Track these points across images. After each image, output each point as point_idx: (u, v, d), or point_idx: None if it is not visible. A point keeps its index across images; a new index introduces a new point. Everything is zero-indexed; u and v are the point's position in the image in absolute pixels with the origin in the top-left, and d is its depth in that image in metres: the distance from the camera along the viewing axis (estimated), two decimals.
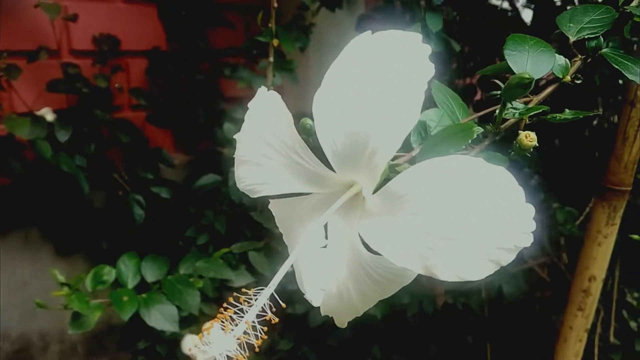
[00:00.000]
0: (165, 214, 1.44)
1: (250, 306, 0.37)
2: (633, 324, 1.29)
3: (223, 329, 0.35)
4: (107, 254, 1.36)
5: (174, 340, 1.40)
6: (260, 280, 0.99)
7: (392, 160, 0.42)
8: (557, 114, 0.49)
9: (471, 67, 1.41)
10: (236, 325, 0.36)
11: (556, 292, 1.33)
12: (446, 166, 0.34)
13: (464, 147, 0.43)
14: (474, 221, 0.33)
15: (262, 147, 0.42)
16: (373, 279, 0.42)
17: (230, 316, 0.36)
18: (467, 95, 1.38)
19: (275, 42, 0.93)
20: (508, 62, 0.49)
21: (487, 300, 1.33)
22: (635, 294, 1.20)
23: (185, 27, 1.57)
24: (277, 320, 0.37)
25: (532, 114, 0.47)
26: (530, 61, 0.49)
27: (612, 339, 1.05)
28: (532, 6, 1.44)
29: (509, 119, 0.49)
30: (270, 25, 0.92)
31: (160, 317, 0.87)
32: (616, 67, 0.52)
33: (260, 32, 1.29)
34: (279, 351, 1.37)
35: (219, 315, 0.36)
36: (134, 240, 1.35)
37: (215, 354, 0.35)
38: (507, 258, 0.34)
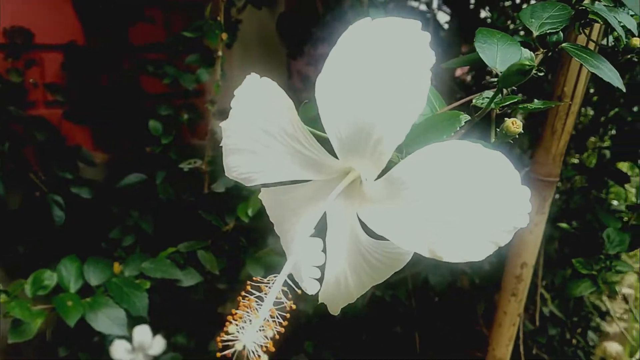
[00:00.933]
0: (87, 215, 1.36)
1: (266, 294, 0.36)
2: (546, 310, 1.38)
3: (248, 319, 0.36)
4: (25, 259, 1.27)
5: (99, 346, 1.33)
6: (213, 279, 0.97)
7: None
8: (528, 104, 0.51)
9: None
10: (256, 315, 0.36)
11: (477, 282, 1.38)
12: (446, 152, 0.35)
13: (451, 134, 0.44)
14: (474, 204, 0.34)
15: (257, 135, 0.41)
16: (370, 264, 0.43)
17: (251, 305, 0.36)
18: None
19: (224, 35, 0.90)
20: (480, 54, 0.50)
21: (414, 291, 1.36)
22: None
23: (103, 21, 1.49)
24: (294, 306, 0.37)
25: (506, 104, 0.49)
26: (499, 53, 0.51)
27: (537, 323, 1.10)
28: (448, 9, 1.50)
29: (481, 108, 0.50)
30: (219, 18, 0.89)
31: (108, 321, 0.83)
32: (578, 60, 0.54)
33: (185, 27, 1.25)
34: (211, 352, 1.33)
35: (240, 305, 0.36)
36: (53, 244, 1.27)
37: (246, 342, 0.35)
38: (506, 238, 0.35)
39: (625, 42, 0.60)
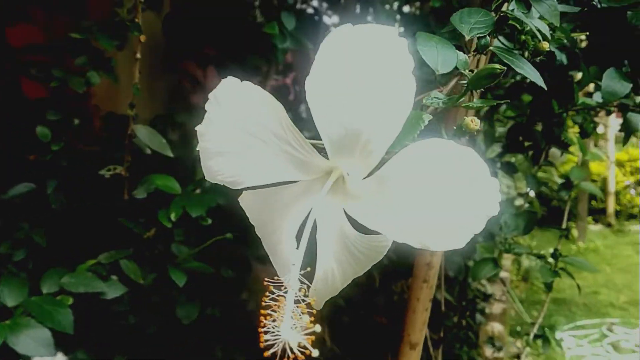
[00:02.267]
0: None
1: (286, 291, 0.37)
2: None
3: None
4: None
5: None
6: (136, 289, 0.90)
7: None
8: (470, 102, 0.54)
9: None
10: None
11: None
12: (426, 150, 0.37)
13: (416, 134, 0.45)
14: (451, 196, 0.37)
15: (243, 137, 0.40)
16: (355, 257, 0.44)
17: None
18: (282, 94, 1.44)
19: (143, 37, 0.86)
20: (422, 56, 0.53)
21: None
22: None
23: None
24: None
25: (453, 104, 0.51)
26: (439, 56, 0.53)
27: (442, 308, 1.16)
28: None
29: (429, 106, 0.52)
30: (136, 20, 0.85)
31: (33, 342, 0.75)
32: (505, 62, 0.58)
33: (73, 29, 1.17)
34: None
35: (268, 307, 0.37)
36: None
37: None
38: (480, 226, 0.37)
39: (532, 45, 0.65)
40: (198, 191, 1.03)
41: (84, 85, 1.25)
